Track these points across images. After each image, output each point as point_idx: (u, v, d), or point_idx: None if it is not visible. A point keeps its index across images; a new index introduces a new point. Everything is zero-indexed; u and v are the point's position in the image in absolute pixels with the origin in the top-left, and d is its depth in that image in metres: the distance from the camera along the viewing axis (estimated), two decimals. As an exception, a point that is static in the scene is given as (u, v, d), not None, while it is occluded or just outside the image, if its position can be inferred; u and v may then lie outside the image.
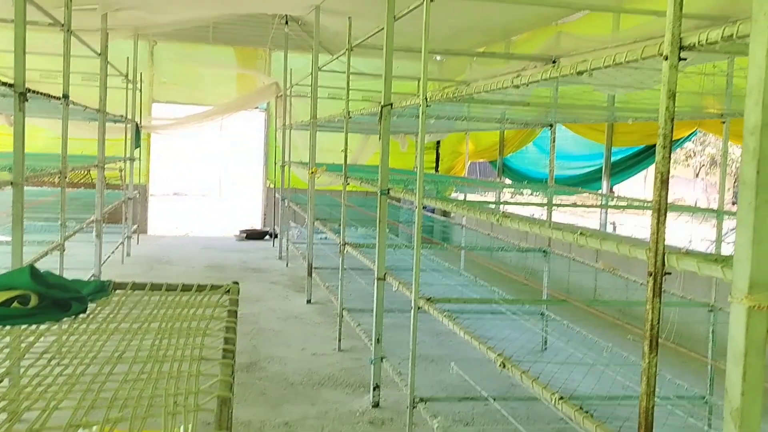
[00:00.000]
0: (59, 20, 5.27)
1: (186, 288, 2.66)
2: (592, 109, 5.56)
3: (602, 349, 5.27)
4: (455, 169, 12.45)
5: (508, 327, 6.16)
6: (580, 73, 2.27)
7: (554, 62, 6.42)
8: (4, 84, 3.76)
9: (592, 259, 6.76)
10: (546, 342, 6.15)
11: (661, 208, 1.79)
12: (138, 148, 11.08)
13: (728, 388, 1.49)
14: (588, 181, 8.74)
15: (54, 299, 2.14)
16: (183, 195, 23.48)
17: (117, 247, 9.21)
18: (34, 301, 2.09)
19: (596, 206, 6.42)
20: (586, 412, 2.26)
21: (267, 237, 12.98)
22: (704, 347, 4.40)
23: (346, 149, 6.00)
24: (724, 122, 4.38)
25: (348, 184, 6.03)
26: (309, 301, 7.76)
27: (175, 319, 2.25)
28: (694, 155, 22.64)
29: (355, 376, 5.32)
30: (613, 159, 8.18)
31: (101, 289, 2.47)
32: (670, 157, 1.79)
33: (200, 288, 2.66)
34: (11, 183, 3.89)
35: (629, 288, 5.94)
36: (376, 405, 4.69)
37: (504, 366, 2.74)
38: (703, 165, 22.85)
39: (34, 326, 2.02)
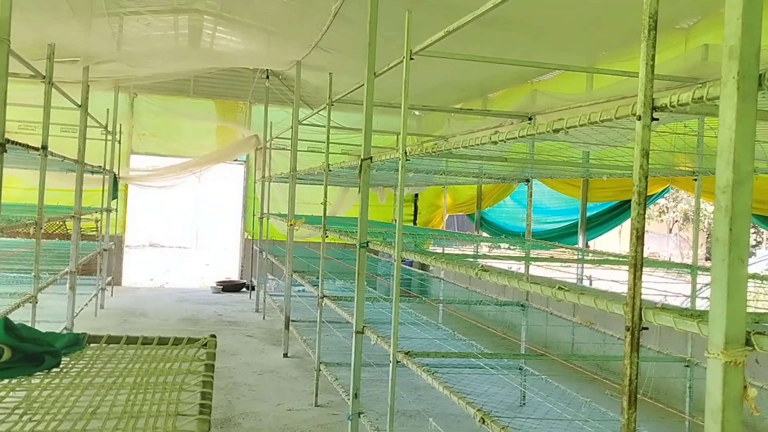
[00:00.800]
0: (41, 72, 5.30)
1: (162, 342, 2.62)
2: (568, 166, 5.66)
3: (581, 404, 5.25)
4: (433, 221, 12.52)
5: (487, 381, 6.10)
6: (556, 131, 2.33)
7: (530, 119, 6.55)
8: (-17, 134, 3.75)
9: (570, 313, 6.78)
10: (524, 396, 6.11)
11: (637, 264, 1.82)
12: (115, 199, 11.02)
13: (707, 444, 1.50)
14: (564, 236, 8.84)
15: (27, 353, 2.10)
16: (159, 246, 23.26)
17: (90, 299, 9.06)
18: (7, 354, 2.04)
19: (573, 261, 6.47)
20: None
21: (244, 289, 12.86)
22: (682, 402, 4.40)
23: (325, 202, 6.03)
24: (695, 179, 4.48)
25: (327, 236, 6.03)
26: (286, 355, 7.66)
27: (150, 373, 2.21)
28: (668, 211, 23.01)
29: (332, 432, 5.23)
30: (588, 214, 8.30)
31: (75, 342, 2.43)
32: (645, 213, 1.83)
33: (177, 341, 2.62)
34: (-14, 233, 3.83)
35: (606, 342, 5.96)
36: (353, 462, 4.59)
37: (483, 421, 2.72)
38: (677, 221, 23.22)
39: (5, 381, 1.97)
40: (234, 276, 13.81)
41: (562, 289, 2.25)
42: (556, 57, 6.88)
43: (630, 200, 8.42)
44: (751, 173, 1.49)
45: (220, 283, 13.05)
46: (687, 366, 4.10)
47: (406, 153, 3.90)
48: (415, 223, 13.38)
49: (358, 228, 4.66)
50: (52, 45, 5.57)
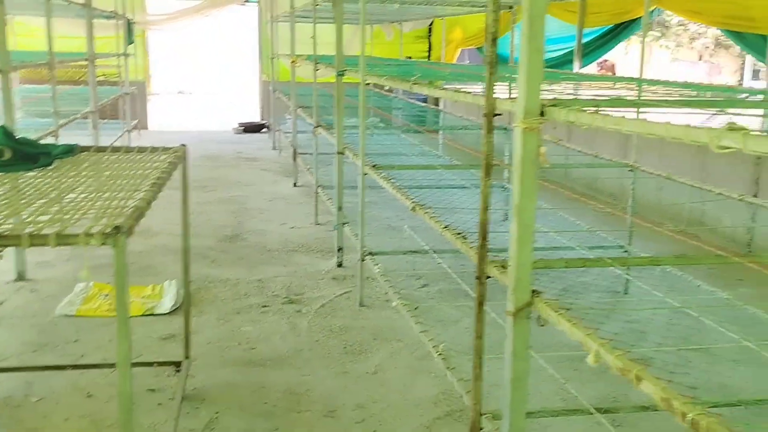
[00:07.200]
0: None
1: (141, 150, 3.17)
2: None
3: (551, 217, 5.82)
4: (446, 57, 12.63)
5: (477, 202, 6.64)
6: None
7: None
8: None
9: (565, 138, 7.15)
10: (507, 214, 6.67)
11: (492, 62, 2.22)
12: (132, 44, 11.36)
13: (513, 190, 1.98)
14: (564, 63, 9.02)
15: (24, 153, 2.65)
16: (188, 93, 23.76)
17: (115, 141, 9.71)
18: (7, 155, 2.60)
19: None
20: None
21: (264, 130, 13.41)
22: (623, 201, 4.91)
23: (314, 37, 6.34)
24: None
25: (318, 70, 6.40)
26: (295, 185, 8.30)
27: (125, 169, 2.77)
28: (699, 37, 22.33)
29: (326, 244, 5.90)
30: (585, 40, 8.42)
31: (68, 150, 2.98)
32: (498, 18, 2.19)
33: (153, 150, 3.17)
34: (-2, 71, 4.32)
35: (569, 158, 6.41)
36: (339, 265, 5.28)
37: (414, 210, 3.25)
38: (707, 47, 22.57)
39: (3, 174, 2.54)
40: (256, 118, 14.33)
41: (459, 92, 2.67)
42: None
43: (624, 22, 8.38)
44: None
45: (241, 124, 13.60)
46: (630, 170, 4.52)
47: (367, -18, 4.17)
48: (429, 59, 13.49)
49: (336, 58, 5.03)
50: None
